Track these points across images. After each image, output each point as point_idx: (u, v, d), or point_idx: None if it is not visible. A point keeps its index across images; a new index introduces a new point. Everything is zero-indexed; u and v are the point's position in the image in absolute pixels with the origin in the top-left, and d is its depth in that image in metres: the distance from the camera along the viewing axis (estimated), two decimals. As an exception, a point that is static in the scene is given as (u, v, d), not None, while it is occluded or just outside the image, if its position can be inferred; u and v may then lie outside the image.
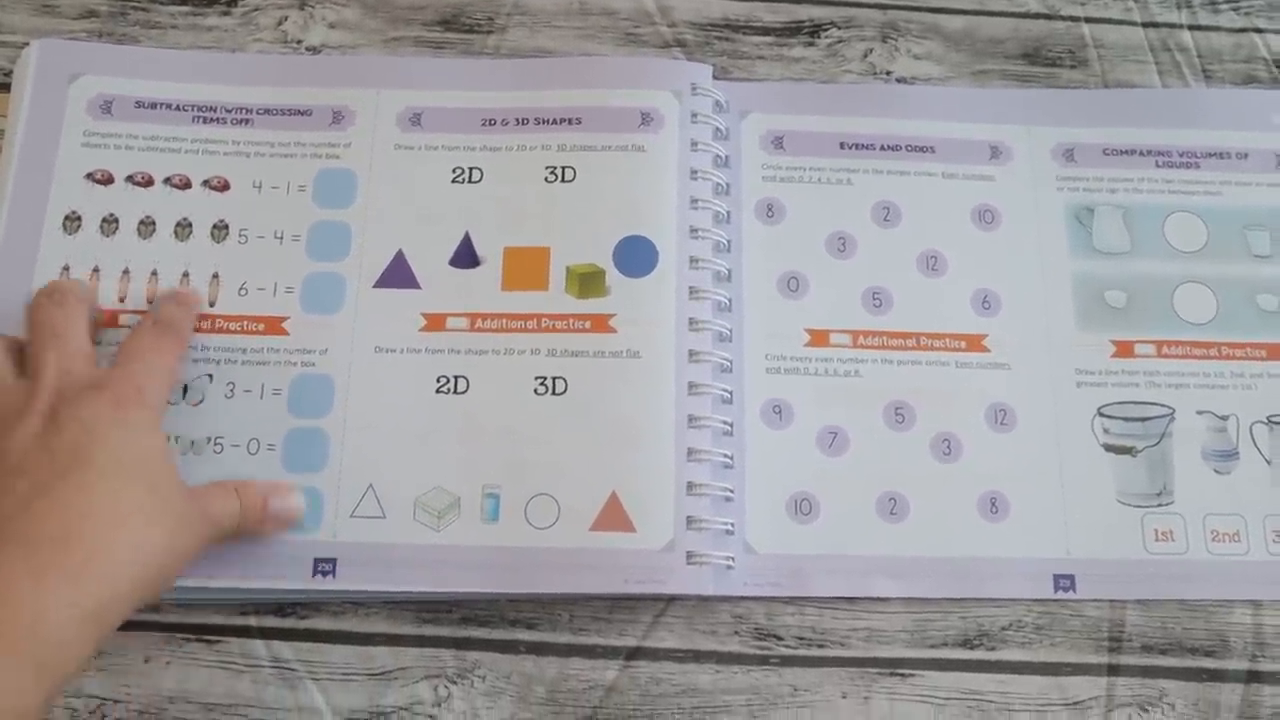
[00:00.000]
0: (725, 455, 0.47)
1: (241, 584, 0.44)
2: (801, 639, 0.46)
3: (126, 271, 0.49)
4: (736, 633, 0.46)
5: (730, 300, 0.50)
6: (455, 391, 0.48)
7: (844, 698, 0.45)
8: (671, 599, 0.47)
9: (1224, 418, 0.50)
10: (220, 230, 0.50)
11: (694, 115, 0.52)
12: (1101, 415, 0.50)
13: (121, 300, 0.48)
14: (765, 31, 0.57)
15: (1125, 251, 0.53)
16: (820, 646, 0.46)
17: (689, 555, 0.45)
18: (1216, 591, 0.48)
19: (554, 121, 0.52)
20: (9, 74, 0.52)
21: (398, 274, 0.49)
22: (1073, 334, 0.51)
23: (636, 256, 0.49)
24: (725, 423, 0.48)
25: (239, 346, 0.48)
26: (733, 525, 0.47)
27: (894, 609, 0.47)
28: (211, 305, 0.49)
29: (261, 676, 0.45)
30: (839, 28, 0.57)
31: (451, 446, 0.47)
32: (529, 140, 0.52)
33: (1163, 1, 0.59)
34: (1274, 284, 0.52)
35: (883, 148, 0.54)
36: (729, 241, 0.51)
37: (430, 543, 0.45)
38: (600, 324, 0.48)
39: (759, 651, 0.46)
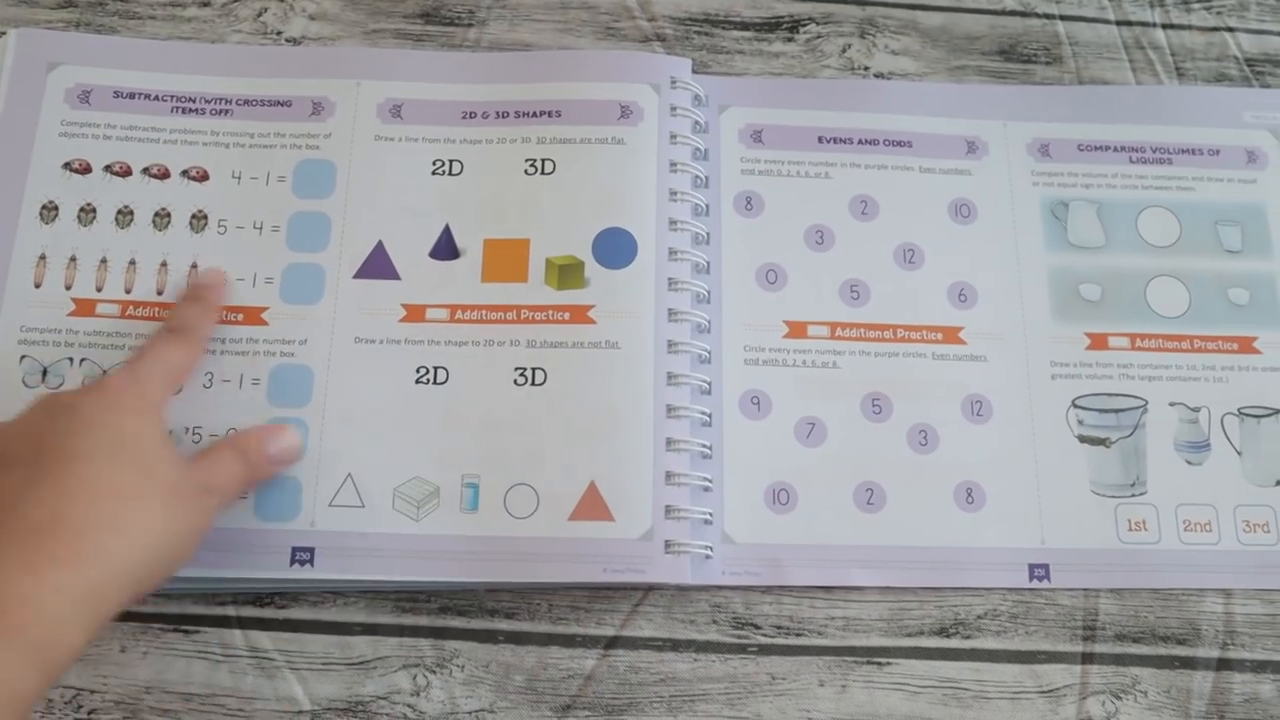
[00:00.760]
0: (704, 445, 0.48)
1: (219, 573, 0.44)
2: (779, 628, 0.47)
3: (104, 261, 0.49)
4: (714, 622, 0.47)
5: (709, 292, 0.50)
6: (435, 382, 0.48)
7: (821, 686, 0.46)
8: (650, 588, 0.47)
9: (1196, 409, 0.51)
10: (199, 220, 0.50)
11: (673, 108, 0.52)
12: (1076, 407, 0.50)
13: (99, 290, 0.48)
14: (744, 26, 0.57)
15: (1099, 246, 0.53)
16: (798, 635, 0.46)
17: (667, 544, 0.45)
18: (1188, 580, 0.48)
19: (534, 114, 0.52)
20: (-14, 63, 0.52)
21: (378, 265, 0.49)
22: (1048, 327, 0.52)
23: (616, 248, 0.49)
24: (704, 413, 0.48)
25: (218, 336, 0.48)
26: (711, 515, 0.47)
27: (871, 598, 0.47)
28: (190, 295, 0.49)
29: (239, 666, 0.45)
30: (818, 23, 0.57)
31: (431, 436, 0.47)
32: (509, 133, 0.52)
33: (1136, 0, 0.59)
34: (1245, 278, 0.53)
35: (860, 142, 0.54)
36: (708, 234, 0.51)
37: (409, 532, 0.45)
38: (579, 315, 0.48)
39: (737, 640, 0.46)
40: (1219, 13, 0.59)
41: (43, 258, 0.49)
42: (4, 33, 0.52)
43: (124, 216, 0.50)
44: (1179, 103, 0.56)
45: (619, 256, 0.49)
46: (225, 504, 0.42)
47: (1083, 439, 0.50)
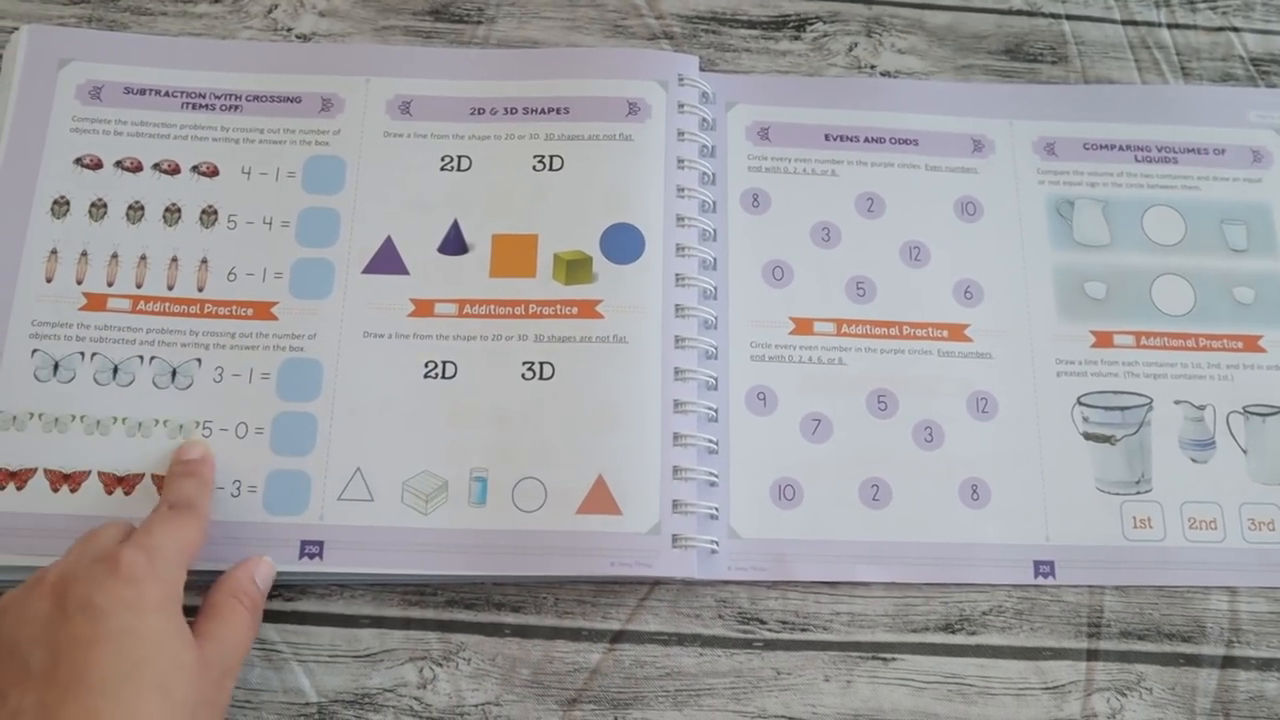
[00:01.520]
0: (710, 440, 0.48)
1: (229, 566, 0.44)
2: (784, 623, 0.47)
3: (115, 256, 0.49)
4: (720, 616, 0.47)
5: (715, 288, 0.51)
6: (443, 376, 0.48)
7: (826, 681, 0.46)
8: (656, 583, 0.47)
9: (1201, 407, 0.51)
10: (209, 215, 0.50)
11: (681, 105, 0.52)
12: (1081, 404, 0.51)
13: (110, 285, 0.49)
14: (752, 25, 0.57)
15: (1105, 244, 0.53)
16: (803, 630, 0.47)
17: (674, 538, 0.45)
18: (1193, 578, 0.48)
19: (542, 111, 0.52)
20: (-2, 59, 0.52)
21: (387, 260, 0.50)
22: (1053, 324, 0.52)
23: (623, 244, 0.50)
24: (710, 408, 0.48)
25: (228, 331, 0.48)
26: (717, 510, 0.47)
27: (876, 594, 0.47)
28: (200, 290, 0.49)
29: (247, 658, 0.45)
30: (824, 22, 0.58)
31: (439, 431, 0.47)
32: (517, 129, 0.52)
33: (1142, 0, 0.60)
34: (1250, 277, 0.53)
35: (867, 140, 0.54)
36: (715, 230, 0.52)
37: (418, 526, 0.46)
38: (587, 310, 0.49)
39: (742, 635, 0.46)
40: (1224, 12, 0.60)
41: (54, 252, 0.49)
42: (16, 28, 0.52)
43: (135, 212, 0.50)
44: (1184, 102, 0.57)
45: (627, 252, 0.50)
46: (239, 665, 0.41)
47: (1088, 436, 0.50)
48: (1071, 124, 0.56)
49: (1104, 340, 0.52)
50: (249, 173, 0.51)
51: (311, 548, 0.45)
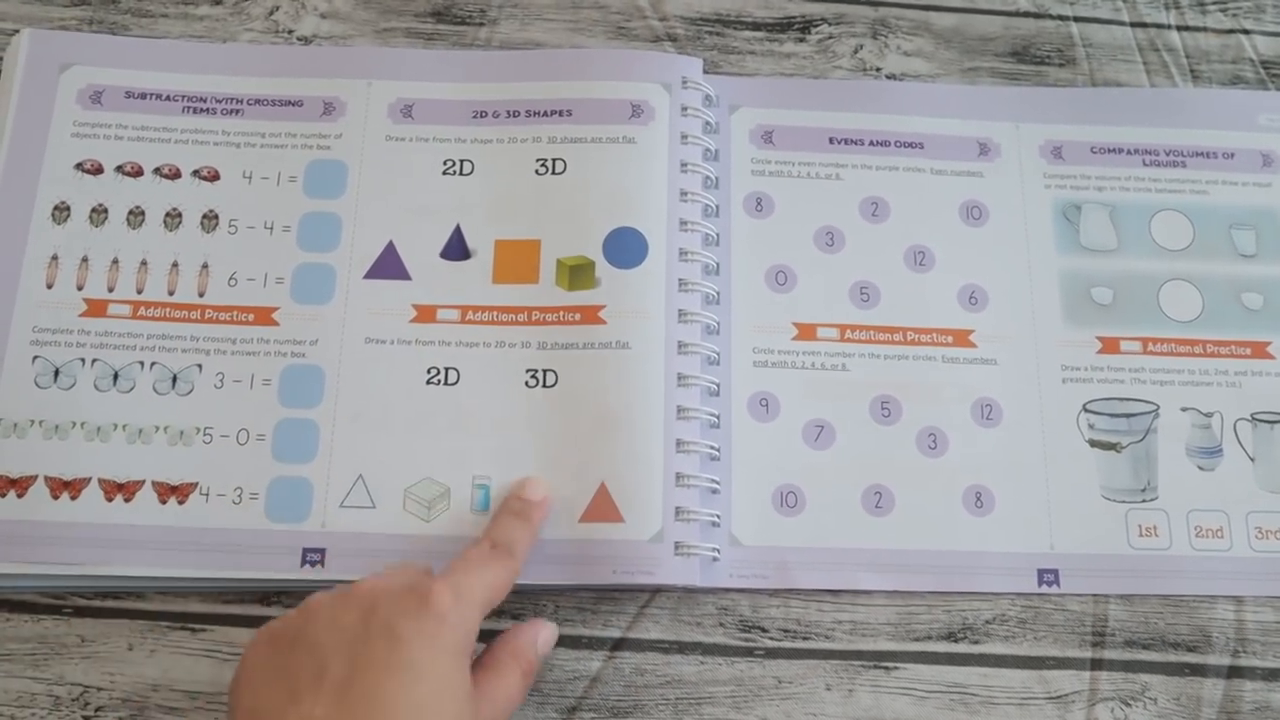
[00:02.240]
0: (712, 447, 0.48)
1: (230, 573, 0.45)
2: (786, 631, 0.46)
3: (115, 262, 0.49)
4: (721, 624, 0.47)
5: (719, 293, 0.50)
6: (446, 383, 0.48)
7: (828, 690, 0.46)
8: (657, 590, 0.47)
9: (1208, 415, 0.50)
10: (210, 220, 0.50)
11: (684, 108, 0.52)
12: (1087, 411, 0.50)
13: (110, 290, 0.48)
14: (756, 27, 0.57)
15: (1112, 249, 0.53)
16: (805, 639, 0.46)
17: (677, 546, 0.45)
18: (1199, 587, 0.48)
19: (544, 113, 0.52)
20: (-1, 62, 0.52)
21: (388, 265, 0.50)
22: (1059, 330, 0.51)
23: (626, 248, 0.49)
24: (713, 415, 0.48)
25: (229, 337, 0.48)
26: (719, 517, 0.47)
27: (878, 602, 0.47)
28: (201, 296, 0.49)
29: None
30: (829, 24, 0.57)
31: (442, 437, 0.47)
32: (520, 132, 0.52)
33: (1151, 2, 0.59)
34: (1259, 283, 0.53)
35: (872, 143, 0.54)
36: (718, 234, 0.51)
37: (420, 533, 0.46)
38: (590, 315, 0.48)
39: (743, 643, 0.46)
40: (1235, 15, 0.59)
41: (54, 258, 0.49)
42: (17, 31, 0.52)
43: (135, 217, 0.50)
44: (1193, 105, 0.56)
45: (629, 257, 0.49)
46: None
47: (1093, 443, 0.50)
48: (1079, 127, 0.55)
49: (1110, 346, 0.51)
50: (250, 177, 0.51)
51: (313, 555, 0.45)
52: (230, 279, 0.49)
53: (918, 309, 0.51)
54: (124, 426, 0.46)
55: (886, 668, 0.46)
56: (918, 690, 0.46)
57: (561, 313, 0.48)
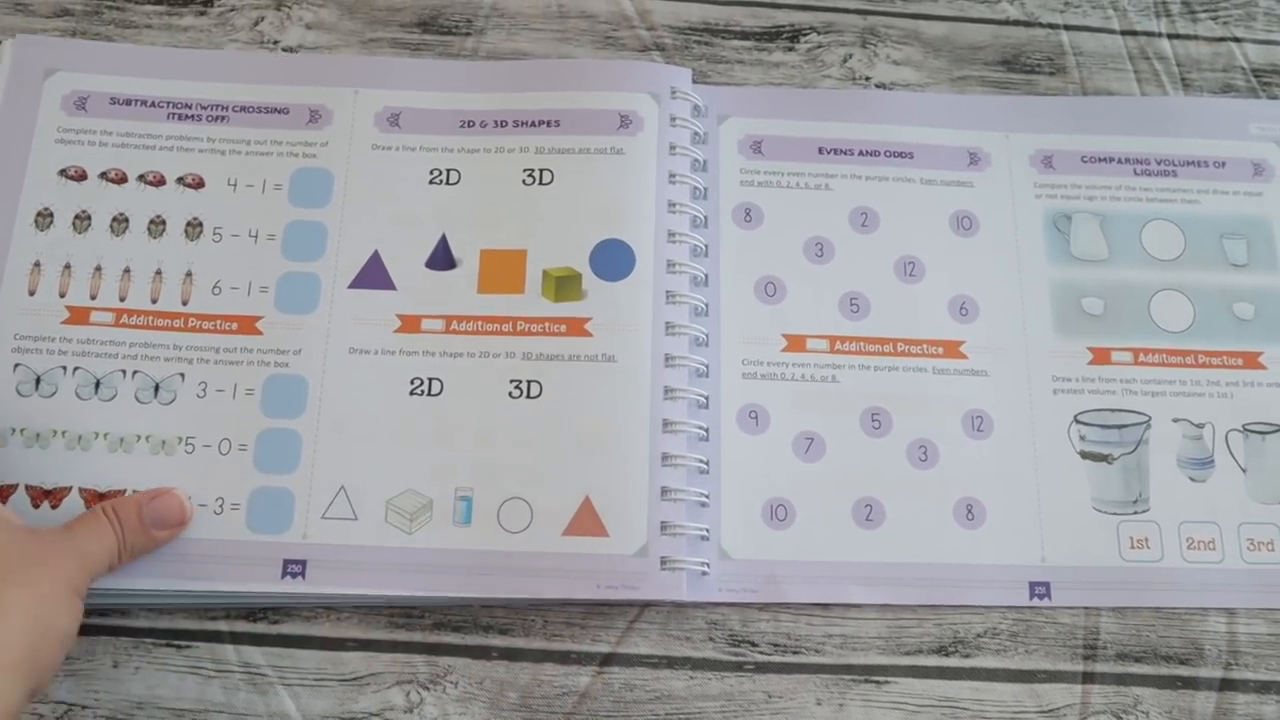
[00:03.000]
0: (700, 460, 0.47)
1: (210, 585, 0.44)
2: (776, 645, 0.46)
3: (98, 269, 0.48)
4: (711, 639, 0.46)
5: (707, 305, 0.50)
6: (429, 394, 0.47)
7: (819, 704, 0.45)
8: (646, 605, 0.46)
9: (1200, 425, 0.50)
10: (194, 228, 0.49)
11: (673, 119, 0.52)
12: (1078, 422, 0.50)
13: (93, 298, 0.48)
14: (745, 36, 0.57)
15: (1103, 259, 0.53)
16: (795, 653, 0.46)
17: (663, 561, 0.45)
18: (1191, 599, 0.48)
19: (532, 124, 0.52)
20: (-18, 70, 0.52)
21: (373, 275, 0.49)
22: (1050, 341, 0.51)
23: (613, 260, 0.49)
24: (701, 428, 0.48)
25: (212, 346, 0.48)
26: (708, 531, 0.46)
27: (869, 615, 0.47)
28: (184, 304, 0.48)
29: (232, 682, 0.44)
30: (819, 33, 0.57)
31: (425, 449, 0.46)
32: (507, 142, 0.51)
33: (1142, 10, 0.59)
34: (1250, 293, 0.53)
35: (861, 153, 0.53)
36: (706, 246, 0.51)
37: (402, 545, 0.45)
38: (576, 327, 0.48)
39: (733, 658, 0.46)
40: (1226, 23, 0.59)
41: (37, 265, 0.48)
42: (1, 40, 0.52)
43: (119, 224, 0.49)
44: (1184, 114, 0.56)
45: (617, 268, 0.49)
46: (100, 572, 0.41)
47: (1084, 455, 0.49)
48: (1069, 136, 0.55)
49: (1101, 357, 0.51)
50: (235, 185, 0.50)
51: (294, 567, 0.45)
52: (214, 287, 0.48)
53: (908, 320, 0.51)
54: (105, 435, 0.46)
55: (877, 682, 0.46)
56: (909, 704, 0.45)
57: (547, 324, 0.48)
